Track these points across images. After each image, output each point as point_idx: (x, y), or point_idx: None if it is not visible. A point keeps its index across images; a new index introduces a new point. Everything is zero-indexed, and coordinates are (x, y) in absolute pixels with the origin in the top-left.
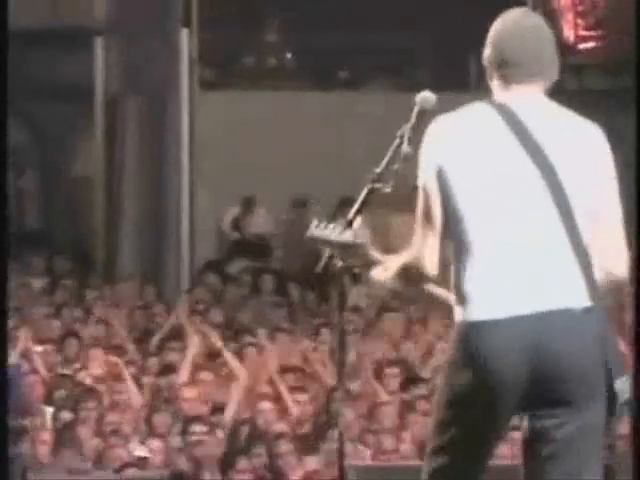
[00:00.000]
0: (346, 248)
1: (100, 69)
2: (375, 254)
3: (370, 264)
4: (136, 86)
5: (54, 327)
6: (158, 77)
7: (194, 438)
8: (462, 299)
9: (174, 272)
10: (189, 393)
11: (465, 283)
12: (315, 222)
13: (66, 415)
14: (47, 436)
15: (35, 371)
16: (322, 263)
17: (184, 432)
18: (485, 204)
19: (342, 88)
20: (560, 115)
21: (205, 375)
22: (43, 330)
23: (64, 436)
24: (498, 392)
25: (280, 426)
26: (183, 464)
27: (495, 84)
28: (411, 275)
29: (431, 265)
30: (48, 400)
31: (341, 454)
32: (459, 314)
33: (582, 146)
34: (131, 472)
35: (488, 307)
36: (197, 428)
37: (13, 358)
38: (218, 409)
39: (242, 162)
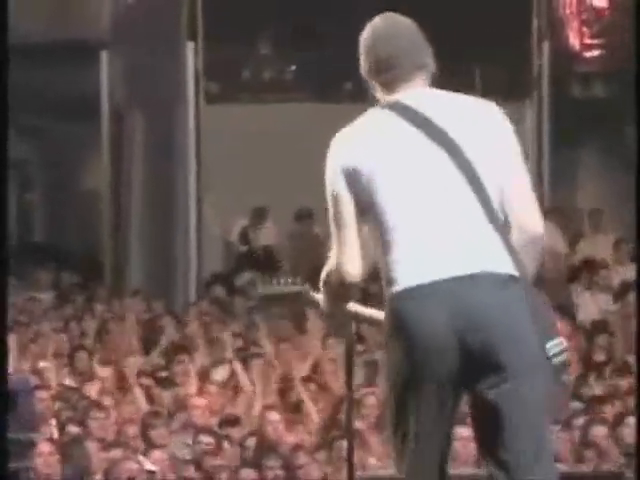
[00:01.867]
0: (291, 296)
1: (106, 83)
2: (314, 295)
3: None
4: (142, 99)
5: (62, 341)
6: (164, 90)
7: (202, 448)
8: (389, 278)
9: (182, 285)
10: (198, 403)
11: (389, 263)
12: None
13: (73, 429)
14: (48, 449)
15: (44, 386)
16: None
17: (193, 443)
18: (399, 190)
19: (348, 100)
20: (454, 99)
21: (212, 387)
22: (51, 344)
23: (71, 450)
24: (429, 357)
25: (293, 437)
26: (190, 475)
27: (379, 92)
28: (333, 283)
29: (352, 263)
30: (55, 414)
31: (350, 464)
32: (386, 293)
33: (482, 123)
34: None
35: (411, 276)
36: (205, 439)
37: (21, 372)
38: (227, 421)
39: (249, 175)
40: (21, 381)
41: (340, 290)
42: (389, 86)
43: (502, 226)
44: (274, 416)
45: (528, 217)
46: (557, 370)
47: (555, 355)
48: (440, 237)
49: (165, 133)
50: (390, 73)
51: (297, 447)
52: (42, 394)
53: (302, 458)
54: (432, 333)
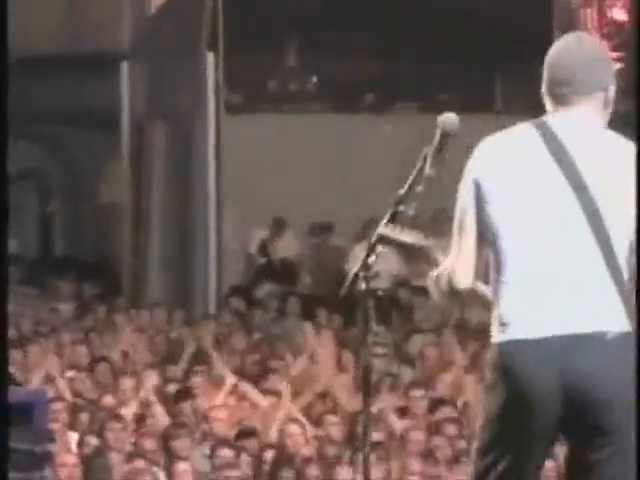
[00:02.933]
0: (412, 249)
1: (126, 94)
2: (439, 257)
3: (433, 266)
4: (162, 111)
5: (82, 353)
6: (184, 101)
7: (220, 462)
8: (499, 319)
9: (201, 297)
10: (220, 414)
11: (501, 303)
12: (384, 222)
13: (92, 440)
14: (72, 460)
15: (60, 398)
16: (346, 286)
17: (211, 456)
18: (520, 223)
19: (368, 112)
20: (600, 136)
21: (230, 399)
22: (71, 355)
23: (93, 462)
24: (532, 411)
25: (308, 450)
26: None
27: (548, 105)
28: (442, 285)
29: (465, 274)
30: (73, 426)
31: (367, 478)
32: (495, 335)
33: (618, 165)
34: None
35: (522, 327)
36: (224, 452)
37: (35, 384)
38: (245, 433)
39: (268, 186)
40: (37, 392)
41: (446, 293)
42: (556, 101)
43: (621, 279)
44: (295, 429)
45: None
46: None
47: None
48: (556, 287)
49: (185, 144)
50: (558, 89)
51: (311, 460)
52: (58, 405)
53: (315, 471)
54: (539, 389)
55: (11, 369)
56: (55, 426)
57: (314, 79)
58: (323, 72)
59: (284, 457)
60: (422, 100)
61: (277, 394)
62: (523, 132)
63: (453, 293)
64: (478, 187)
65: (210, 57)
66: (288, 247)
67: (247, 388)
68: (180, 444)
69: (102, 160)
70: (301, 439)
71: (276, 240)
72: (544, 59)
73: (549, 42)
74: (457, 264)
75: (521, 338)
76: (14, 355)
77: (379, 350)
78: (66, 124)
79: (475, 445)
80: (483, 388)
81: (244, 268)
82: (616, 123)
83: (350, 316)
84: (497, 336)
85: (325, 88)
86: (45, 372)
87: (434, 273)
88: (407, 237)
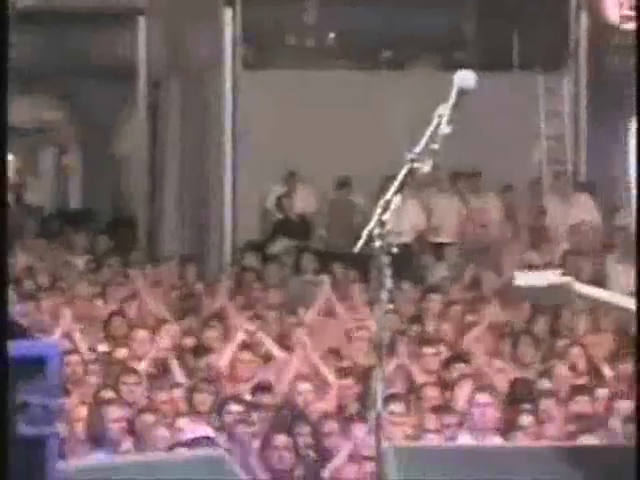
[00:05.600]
0: (554, 289)
1: (143, 49)
2: (582, 288)
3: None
4: (179, 66)
5: (98, 306)
6: (201, 56)
7: (231, 418)
8: None
9: (217, 252)
10: (230, 369)
11: None
12: (516, 272)
13: (108, 394)
14: (85, 414)
15: (75, 351)
16: (361, 243)
17: (220, 412)
18: None
19: (385, 68)
20: None
21: (245, 355)
22: (87, 309)
23: (101, 416)
24: None
25: (323, 405)
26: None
27: None
28: None
29: None
30: (88, 379)
31: (378, 435)
32: None
33: None
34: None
35: None
36: (234, 408)
37: (52, 337)
38: (259, 388)
39: (284, 142)
40: (50, 345)
41: None
42: None
43: None
44: (305, 386)
45: None
46: None
47: None
48: None
49: (202, 99)
50: None
51: (326, 415)
52: (72, 359)
53: (330, 425)
54: None
55: (26, 321)
56: (69, 379)
57: (332, 35)
58: (341, 28)
59: (297, 413)
60: (440, 57)
61: (292, 348)
62: None
63: None
64: None
65: (227, 12)
66: (305, 202)
67: (265, 339)
68: (202, 398)
69: (118, 114)
70: (311, 396)
71: (292, 196)
72: (560, 18)
73: (566, 1)
74: None
75: None
76: (29, 307)
77: (391, 306)
78: (83, 78)
79: None
80: None
81: (260, 223)
82: (632, 78)
83: (366, 272)
84: None
85: (343, 44)
86: (60, 325)
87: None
88: (544, 279)
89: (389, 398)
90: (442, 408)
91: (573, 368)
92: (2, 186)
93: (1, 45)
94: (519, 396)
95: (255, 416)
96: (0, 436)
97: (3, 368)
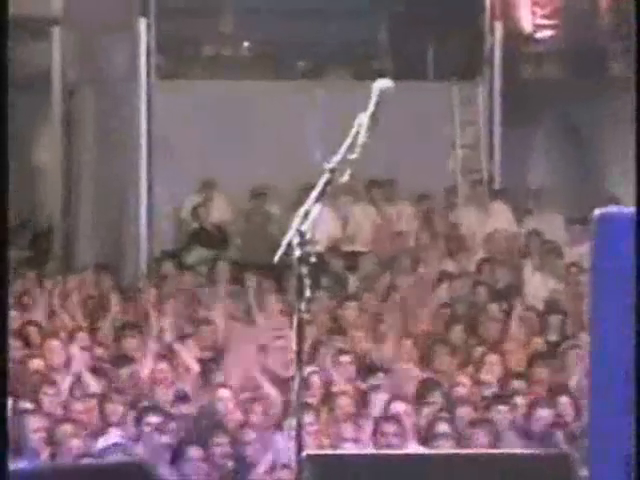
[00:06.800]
0: None
1: (58, 59)
2: None
3: None
4: (94, 75)
5: (13, 317)
6: (116, 66)
7: (148, 429)
8: None
9: (132, 261)
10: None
11: None
12: None
13: (23, 405)
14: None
15: None
16: (280, 252)
17: (139, 422)
18: None
19: (302, 77)
20: None
21: (163, 365)
22: None
23: (20, 428)
24: None
25: (242, 415)
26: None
27: None
28: None
29: None
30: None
31: (299, 443)
32: None
33: None
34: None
35: None
36: (152, 419)
37: None
38: (177, 399)
39: (200, 152)
40: None
41: None
42: None
43: None
44: (224, 393)
45: None
46: None
47: None
48: None
49: (117, 109)
50: None
51: (245, 425)
52: None
53: (250, 435)
54: None
55: None
56: None
57: (247, 44)
58: (257, 38)
59: (216, 423)
60: (356, 67)
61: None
62: None
63: None
64: None
65: (142, 22)
66: (221, 212)
67: (181, 350)
68: (113, 408)
69: (33, 124)
70: (230, 404)
71: (208, 205)
72: (474, 28)
73: (481, 8)
74: None
75: None
76: None
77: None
78: None
79: None
80: None
81: (176, 233)
82: (553, 88)
83: (282, 283)
84: None
85: (259, 54)
86: None
87: None
88: None
89: (305, 407)
90: (357, 416)
91: (489, 375)
92: (2, 186)
93: (1, 48)
94: (428, 395)
95: (173, 426)
96: None
97: None
